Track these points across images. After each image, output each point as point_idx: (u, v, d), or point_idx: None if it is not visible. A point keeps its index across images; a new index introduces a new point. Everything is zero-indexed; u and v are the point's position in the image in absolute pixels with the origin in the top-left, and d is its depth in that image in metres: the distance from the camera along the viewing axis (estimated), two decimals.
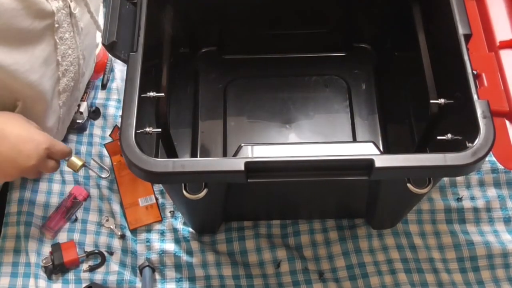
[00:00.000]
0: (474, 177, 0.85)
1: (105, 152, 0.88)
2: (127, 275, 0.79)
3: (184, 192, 0.57)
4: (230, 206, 0.75)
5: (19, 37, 0.63)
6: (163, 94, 0.69)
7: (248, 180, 0.56)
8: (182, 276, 0.80)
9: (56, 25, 0.67)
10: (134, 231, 0.83)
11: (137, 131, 0.58)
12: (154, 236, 0.82)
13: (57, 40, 0.68)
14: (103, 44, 0.62)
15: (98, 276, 0.79)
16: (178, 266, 0.80)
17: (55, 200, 0.83)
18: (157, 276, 0.80)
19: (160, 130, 0.67)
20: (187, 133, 0.87)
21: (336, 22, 0.89)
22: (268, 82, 0.92)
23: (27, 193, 0.82)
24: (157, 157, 0.67)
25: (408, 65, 0.80)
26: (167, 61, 0.74)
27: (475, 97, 0.58)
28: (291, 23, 0.87)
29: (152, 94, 0.65)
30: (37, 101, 0.71)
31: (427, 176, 0.57)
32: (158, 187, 0.86)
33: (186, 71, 0.91)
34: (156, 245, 0.81)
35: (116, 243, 0.81)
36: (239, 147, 0.63)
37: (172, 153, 0.77)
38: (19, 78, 0.65)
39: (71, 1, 0.69)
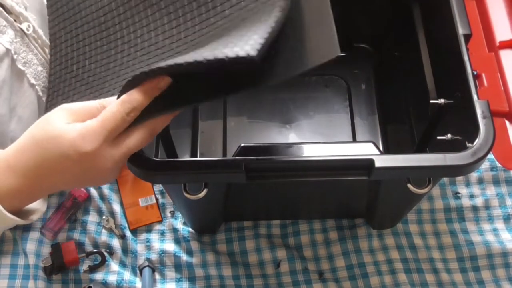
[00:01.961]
0: (473, 175, 0.85)
1: None
2: (127, 275, 0.79)
3: (184, 192, 0.57)
4: (230, 206, 0.75)
5: None
6: None
7: (248, 180, 0.56)
8: (182, 276, 0.80)
9: (15, 56, 0.66)
10: (134, 231, 0.83)
11: None
12: (154, 236, 0.82)
13: (21, 68, 0.68)
14: None
15: (98, 276, 0.79)
16: (178, 266, 0.80)
17: (54, 201, 0.83)
18: (157, 276, 0.80)
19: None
20: (187, 133, 0.87)
21: (335, 22, 0.89)
22: None
23: None
24: (157, 157, 0.67)
25: (408, 65, 0.80)
26: None
27: (475, 97, 0.58)
28: None
29: None
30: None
31: (427, 176, 0.57)
32: (158, 187, 0.86)
33: None
34: (156, 245, 0.81)
35: (116, 243, 0.81)
36: (239, 147, 0.63)
37: (172, 153, 0.77)
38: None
39: (20, 24, 0.67)
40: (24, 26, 0.68)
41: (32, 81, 0.70)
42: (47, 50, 0.72)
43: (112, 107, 0.48)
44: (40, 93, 0.71)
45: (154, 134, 0.52)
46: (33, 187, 0.53)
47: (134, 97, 0.48)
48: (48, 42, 0.71)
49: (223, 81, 0.49)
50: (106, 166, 0.50)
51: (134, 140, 0.50)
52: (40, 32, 0.71)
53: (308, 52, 0.50)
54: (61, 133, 0.49)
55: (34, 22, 0.70)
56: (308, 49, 0.50)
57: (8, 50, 0.65)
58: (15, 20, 0.67)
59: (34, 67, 0.70)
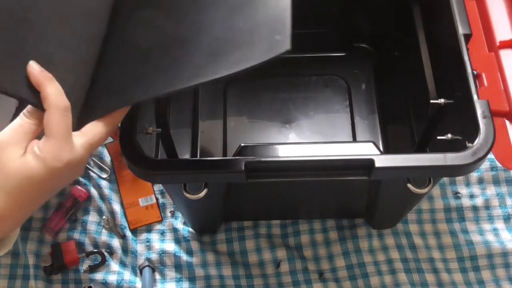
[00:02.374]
0: (473, 175, 0.85)
1: (105, 152, 0.88)
2: (127, 275, 0.79)
3: (184, 192, 0.57)
4: (230, 206, 0.75)
5: None
6: None
7: (248, 180, 0.56)
8: (182, 276, 0.80)
9: None
10: (134, 231, 0.83)
11: (137, 132, 0.58)
12: (154, 236, 0.82)
13: None
14: None
15: (98, 276, 0.79)
16: (178, 266, 0.80)
17: (54, 201, 0.83)
18: (157, 276, 0.80)
19: (160, 130, 0.67)
20: (187, 133, 0.87)
21: (335, 22, 0.89)
22: (268, 82, 0.92)
23: None
24: (157, 157, 0.67)
25: (408, 65, 0.80)
26: None
27: (475, 97, 0.58)
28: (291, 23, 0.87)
29: None
30: None
31: (427, 176, 0.57)
32: (158, 187, 0.86)
33: None
34: (156, 245, 0.81)
35: (116, 243, 0.81)
36: (239, 147, 0.63)
37: (172, 153, 0.77)
38: None
39: None
40: None
41: None
42: None
43: (47, 117, 0.46)
44: None
45: (114, 127, 0.50)
46: (17, 217, 0.49)
47: (46, 91, 0.46)
48: None
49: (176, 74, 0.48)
50: (81, 162, 0.48)
51: (96, 131, 0.49)
52: None
53: (257, 46, 0.49)
54: (29, 168, 0.45)
55: None
56: (258, 43, 0.49)
57: None
58: None
59: None
